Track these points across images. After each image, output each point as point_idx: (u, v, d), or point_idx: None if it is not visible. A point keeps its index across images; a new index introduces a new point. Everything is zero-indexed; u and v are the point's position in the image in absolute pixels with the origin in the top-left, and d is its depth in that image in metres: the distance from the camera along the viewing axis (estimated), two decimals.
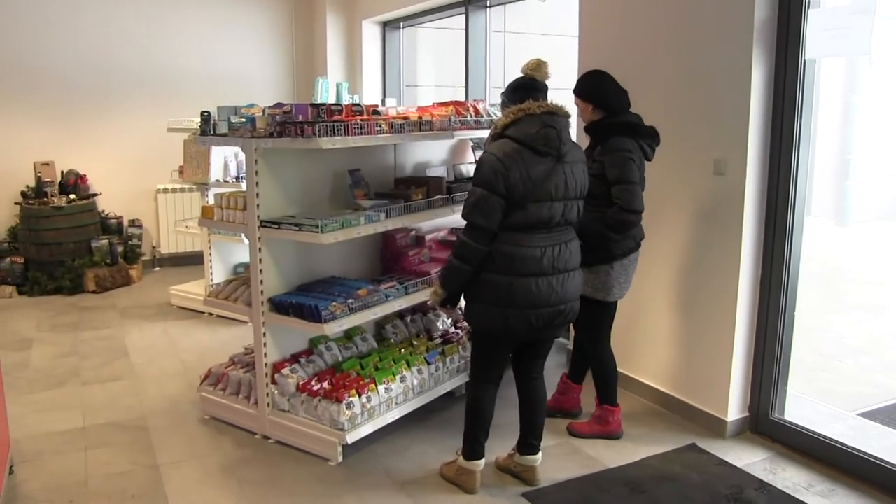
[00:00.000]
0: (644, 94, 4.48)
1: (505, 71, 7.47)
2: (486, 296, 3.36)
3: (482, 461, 3.69)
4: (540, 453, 3.77)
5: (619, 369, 4.26)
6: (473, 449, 3.67)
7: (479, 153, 5.38)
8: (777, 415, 4.16)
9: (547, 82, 3.85)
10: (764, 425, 4.19)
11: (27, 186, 7.87)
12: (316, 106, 3.95)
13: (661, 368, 4.63)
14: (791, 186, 3.93)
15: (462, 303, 3.60)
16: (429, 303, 3.79)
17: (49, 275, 7.52)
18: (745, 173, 3.95)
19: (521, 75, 3.85)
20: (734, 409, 4.21)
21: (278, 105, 4.02)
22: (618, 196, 3.69)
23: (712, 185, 4.14)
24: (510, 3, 6.95)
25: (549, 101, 3.43)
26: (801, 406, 4.26)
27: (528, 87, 3.72)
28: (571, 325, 4.18)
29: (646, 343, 4.71)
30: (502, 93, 3.96)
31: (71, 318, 6.69)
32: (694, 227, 4.30)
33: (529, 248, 3.30)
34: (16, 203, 7.83)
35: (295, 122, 3.82)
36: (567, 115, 3.39)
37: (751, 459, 3.97)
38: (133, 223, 8.37)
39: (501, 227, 3.28)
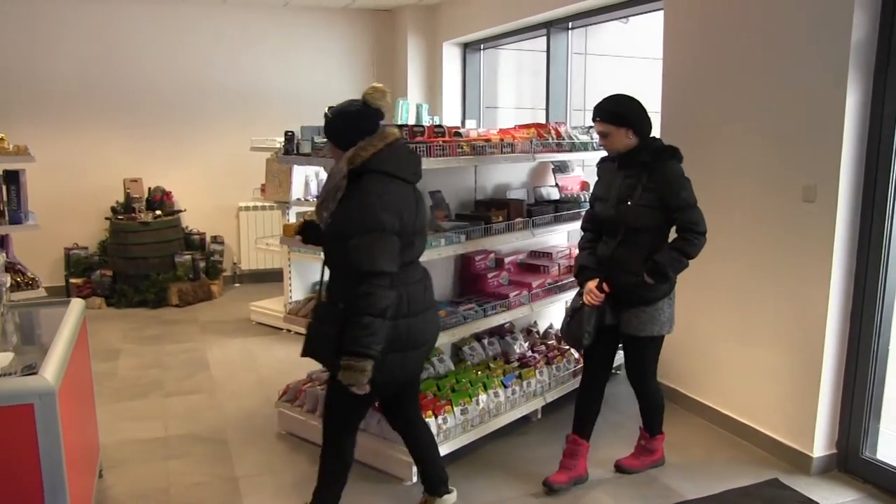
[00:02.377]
0: (730, 117, 4.40)
1: (585, 93, 7.43)
2: (386, 345, 2.98)
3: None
4: (455, 491, 3.59)
5: (688, 393, 4.16)
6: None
7: (560, 176, 5.35)
8: (868, 453, 3.98)
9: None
10: (853, 463, 4.02)
11: (117, 202, 8.15)
12: (399, 127, 3.97)
13: (738, 396, 4.49)
14: (887, 213, 3.78)
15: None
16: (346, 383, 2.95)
17: (135, 288, 7.75)
18: (836, 200, 3.81)
19: (356, 102, 3.14)
20: (821, 445, 4.05)
21: None
22: (691, 220, 3.59)
23: (801, 211, 4.01)
24: (592, 25, 6.91)
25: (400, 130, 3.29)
26: (894, 445, 4.08)
27: (374, 115, 3.12)
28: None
29: (721, 369, 4.58)
30: (330, 125, 3.19)
31: (155, 331, 6.87)
32: (779, 253, 4.16)
33: (416, 285, 3.13)
34: (106, 218, 8.12)
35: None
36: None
37: (839, 500, 3.80)
38: (215, 239, 8.57)
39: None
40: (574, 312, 3.85)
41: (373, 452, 4.05)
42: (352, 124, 3.09)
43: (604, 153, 3.91)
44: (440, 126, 4.26)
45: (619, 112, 3.65)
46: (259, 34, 8.66)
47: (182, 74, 8.34)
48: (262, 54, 8.66)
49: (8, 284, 3.59)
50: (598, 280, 3.72)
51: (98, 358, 5.93)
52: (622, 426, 4.63)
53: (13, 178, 4.81)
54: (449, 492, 3.56)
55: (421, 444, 3.52)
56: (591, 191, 4.15)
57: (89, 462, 3.51)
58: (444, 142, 4.01)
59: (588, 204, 4.07)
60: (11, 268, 4.84)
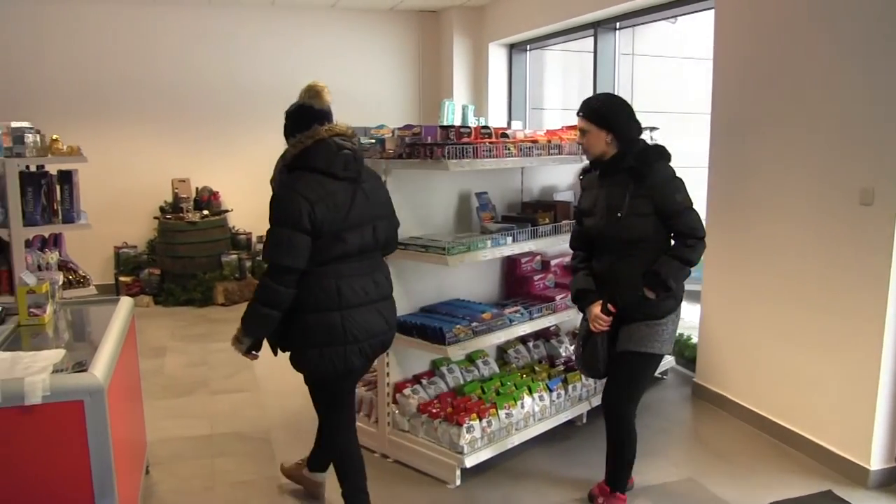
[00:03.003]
0: (784, 117, 4.30)
1: (633, 94, 7.34)
2: (320, 338, 3.09)
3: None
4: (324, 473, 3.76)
5: (734, 398, 4.03)
6: (318, 463, 3.77)
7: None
8: None
9: (331, 106, 3.30)
10: None
11: (165, 202, 8.27)
12: (445, 128, 3.96)
13: (786, 403, 4.38)
14: None
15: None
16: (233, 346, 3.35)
17: (182, 286, 7.86)
18: (894, 203, 3.70)
19: (299, 102, 3.27)
20: (878, 458, 3.92)
21: (408, 126, 4.05)
22: (690, 225, 3.34)
23: (857, 214, 3.89)
24: (639, 25, 6.83)
25: (336, 124, 3.20)
26: None
27: (311, 113, 3.19)
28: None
29: (769, 374, 4.47)
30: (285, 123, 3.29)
31: (201, 329, 6.95)
32: (834, 257, 4.04)
33: (354, 278, 3.11)
34: (154, 217, 8.24)
35: (424, 143, 3.84)
36: (355, 136, 3.25)
37: None
38: (261, 239, 8.64)
39: (321, 262, 3.04)
40: (585, 341, 3.60)
41: (417, 455, 4.03)
42: (290, 122, 3.21)
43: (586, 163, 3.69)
44: (487, 127, 4.23)
45: (602, 112, 3.41)
46: (306, 35, 8.72)
47: (229, 76, 8.43)
48: (309, 55, 8.72)
49: (60, 282, 3.65)
50: (601, 303, 3.46)
51: (145, 355, 6.02)
52: (667, 432, 4.57)
53: (67, 178, 4.89)
54: (323, 470, 3.76)
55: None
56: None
57: (136, 458, 3.55)
58: (490, 143, 3.98)
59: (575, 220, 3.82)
60: (64, 266, 4.92)
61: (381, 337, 3.26)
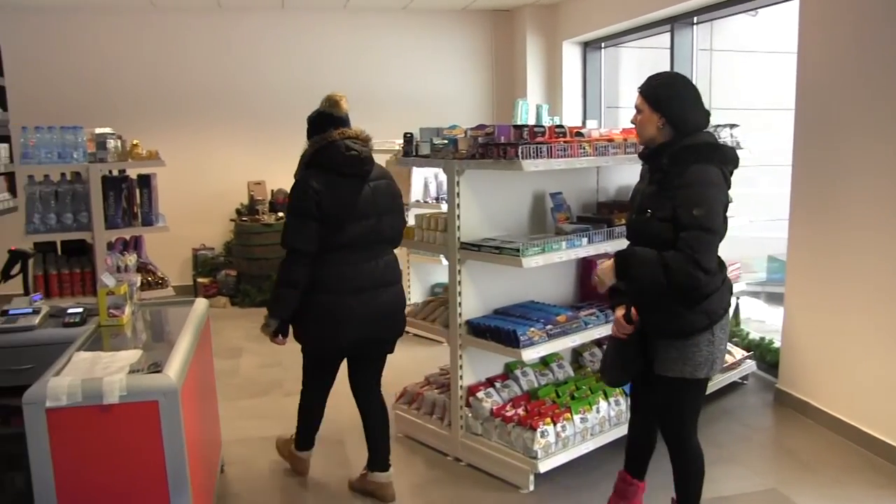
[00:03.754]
0: (877, 117, 4.09)
1: (711, 90, 7.14)
2: (315, 315, 3.50)
3: (312, 450, 4.04)
4: (391, 469, 3.84)
5: (820, 405, 3.82)
6: (305, 442, 4.01)
7: None
8: None
9: (348, 113, 3.70)
10: None
11: (241, 204, 8.41)
12: (519, 127, 3.90)
13: (876, 412, 4.17)
14: None
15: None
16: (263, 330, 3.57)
17: (258, 287, 7.96)
18: None
19: (319, 110, 3.70)
20: None
21: (480, 126, 4.00)
22: (692, 245, 2.80)
23: None
24: (718, 19, 6.63)
25: (350, 128, 3.58)
26: None
27: (328, 119, 3.62)
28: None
29: (857, 381, 4.26)
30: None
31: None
32: None
33: (353, 266, 3.49)
34: (231, 220, 8.39)
35: (497, 143, 3.79)
36: (367, 139, 3.62)
37: None
38: None
39: (326, 249, 3.45)
40: (612, 344, 3.30)
41: (489, 459, 3.97)
42: (310, 127, 3.65)
43: None
44: (561, 126, 4.15)
45: (659, 92, 3.00)
46: (378, 37, 8.76)
47: (302, 79, 8.52)
48: (382, 57, 8.76)
49: (138, 284, 3.72)
50: (625, 307, 3.11)
51: (221, 356, 6.11)
52: (748, 439, 4.42)
53: (146, 182, 5.02)
54: (385, 470, 3.83)
55: (372, 417, 3.85)
56: None
57: (211, 457, 3.59)
58: (565, 142, 3.90)
59: None
60: (143, 268, 5.04)
61: (382, 322, 3.61)
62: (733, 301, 5.55)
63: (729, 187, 2.98)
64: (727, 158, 2.97)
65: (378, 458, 3.82)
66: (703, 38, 6.91)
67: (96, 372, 2.65)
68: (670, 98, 2.97)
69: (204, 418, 3.39)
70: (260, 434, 4.61)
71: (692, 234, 2.80)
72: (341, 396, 5.18)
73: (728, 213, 2.96)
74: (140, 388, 2.56)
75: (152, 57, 8.26)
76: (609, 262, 3.01)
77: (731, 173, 3.01)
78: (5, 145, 3.98)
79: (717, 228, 2.86)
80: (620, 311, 3.12)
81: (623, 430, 4.16)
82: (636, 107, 3.08)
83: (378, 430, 3.84)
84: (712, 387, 4.80)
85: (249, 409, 5.07)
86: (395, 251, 3.77)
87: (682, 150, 2.92)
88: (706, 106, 3.05)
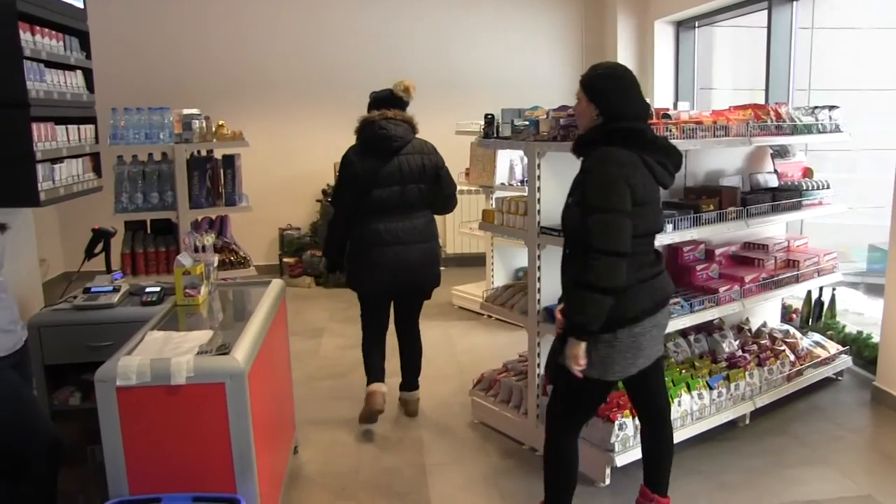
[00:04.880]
0: None
1: (811, 71, 6.76)
2: (357, 263, 4.36)
3: (381, 384, 4.48)
4: (417, 390, 4.68)
5: None
6: (374, 375, 4.50)
7: (779, 162, 4.89)
8: None
9: (406, 98, 4.42)
10: None
11: (327, 185, 8.45)
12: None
13: None
14: None
15: None
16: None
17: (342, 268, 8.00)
18: None
19: (389, 89, 4.45)
20: None
21: (563, 108, 3.88)
22: (590, 230, 2.70)
23: None
24: None
25: (394, 111, 4.31)
26: None
27: (383, 99, 4.42)
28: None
29: None
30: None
31: (358, 312, 7.03)
32: None
33: (384, 224, 4.23)
34: (317, 200, 8.46)
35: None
36: (407, 121, 4.35)
37: None
38: None
39: (361, 210, 4.24)
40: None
41: None
42: (369, 105, 4.44)
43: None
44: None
45: (594, 83, 2.89)
46: (465, 17, 8.67)
47: (387, 60, 8.49)
48: (468, 37, 8.66)
49: (216, 264, 3.75)
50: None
51: (303, 336, 6.19)
52: (842, 440, 4.19)
53: (230, 162, 5.07)
54: (411, 390, 4.69)
55: (407, 346, 4.66)
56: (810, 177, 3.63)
57: (283, 439, 3.60)
58: (651, 124, 3.72)
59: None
60: (226, 247, 5.11)
61: (412, 272, 4.32)
62: (827, 292, 5.30)
63: (657, 178, 2.85)
64: (648, 145, 2.84)
65: (407, 381, 4.67)
66: (803, 15, 6.55)
67: (166, 352, 2.67)
68: (605, 90, 2.87)
69: (274, 400, 3.39)
70: (336, 416, 4.63)
71: (593, 219, 2.70)
72: (422, 381, 5.19)
73: (642, 201, 2.77)
74: (207, 369, 2.57)
75: (239, 38, 8.38)
76: (574, 348, 2.77)
77: (664, 165, 2.88)
78: (91, 126, 4.05)
79: (617, 207, 2.69)
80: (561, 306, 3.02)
81: (706, 425, 4.02)
82: (576, 96, 2.99)
83: (408, 358, 4.66)
84: (803, 382, 4.58)
85: (327, 390, 5.09)
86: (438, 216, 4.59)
87: (597, 133, 2.85)
88: (630, 95, 2.89)
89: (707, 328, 4.58)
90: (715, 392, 4.07)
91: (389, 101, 4.37)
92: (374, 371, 4.50)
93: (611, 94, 2.86)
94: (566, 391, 3.00)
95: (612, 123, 2.84)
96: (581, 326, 2.74)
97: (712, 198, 4.13)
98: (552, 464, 3.10)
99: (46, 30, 3.58)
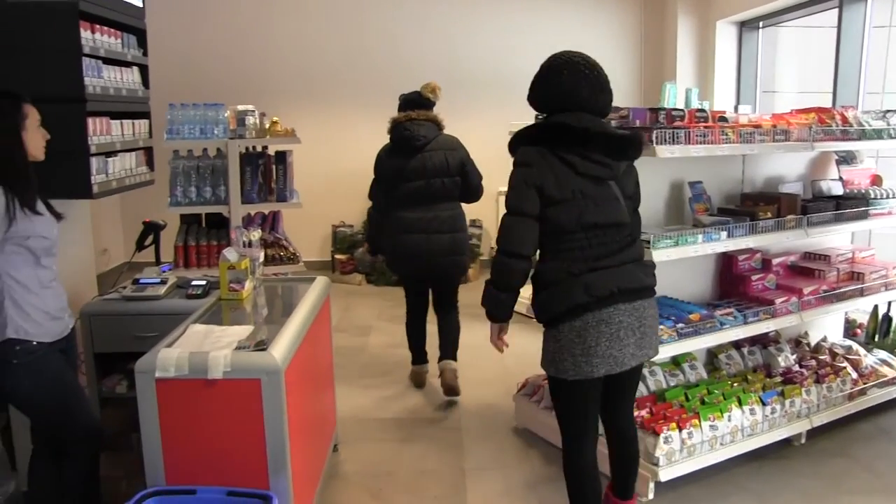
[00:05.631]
0: None
1: (886, 73, 6.50)
2: (392, 250, 4.86)
3: (425, 365, 5.12)
4: (453, 361, 4.91)
5: None
6: (416, 357, 5.13)
7: (844, 168, 4.71)
8: None
9: (433, 99, 4.92)
10: None
11: None
12: (655, 111, 3.66)
13: None
14: None
15: None
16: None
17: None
18: None
19: (417, 91, 4.93)
20: None
21: (615, 109, 3.78)
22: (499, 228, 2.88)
23: None
24: None
25: (418, 112, 4.76)
26: None
27: (411, 101, 4.87)
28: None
29: None
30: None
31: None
32: None
33: (411, 215, 4.68)
34: (369, 198, 8.46)
35: (632, 127, 3.57)
36: (431, 121, 4.78)
37: None
38: (473, 223, 8.62)
39: (390, 202, 4.77)
40: None
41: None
42: (399, 106, 4.91)
43: None
44: (703, 110, 3.87)
45: (532, 82, 2.97)
46: (519, 15, 8.59)
47: (440, 57, 8.46)
48: (521, 36, 8.54)
49: (261, 259, 3.76)
50: None
51: (351, 333, 6.20)
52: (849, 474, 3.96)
53: (281, 158, 5.09)
54: (448, 359, 4.92)
55: (443, 323, 4.99)
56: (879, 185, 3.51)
57: (321, 436, 3.59)
58: (705, 127, 3.63)
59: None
60: (276, 243, 5.13)
61: (427, 258, 4.70)
62: None
63: (574, 169, 2.76)
64: (565, 139, 2.77)
65: (443, 353, 4.95)
66: (881, 12, 6.29)
67: (206, 346, 2.68)
68: (534, 84, 2.94)
69: (314, 398, 3.39)
70: (378, 415, 4.62)
71: (502, 218, 2.86)
72: (465, 382, 5.14)
73: (560, 199, 2.75)
74: (243, 365, 2.57)
75: (295, 36, 8.45)
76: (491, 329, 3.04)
77: (589, 157, 2.77)
78: (145, 121, 4.11)
79: (517, 210, 2.77)
80: None
81: (758, 442, 3.88)
82: None
83: (444, 335, 4.97)
84: (866, 402, 4.37)
85: (372, 388, 5.08)
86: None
87: (521, 131, 2.91)
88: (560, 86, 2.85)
89: (762, 340, 4.43)
90: (768, 408, 3.92)
91: (417, 102, 4.84)
92: (416, 353, 5.11)
93: (533, 86, 2.94)
94: (554, 400, 3.02)
95: (535, 122, 2.97)
96: (487, 313, 2.99)
97: (770, 205, 4.00)
98: (567, 477, 3.03)
99: (106, 28, 3.65)
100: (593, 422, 2.98)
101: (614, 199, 2.81)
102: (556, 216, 2.75)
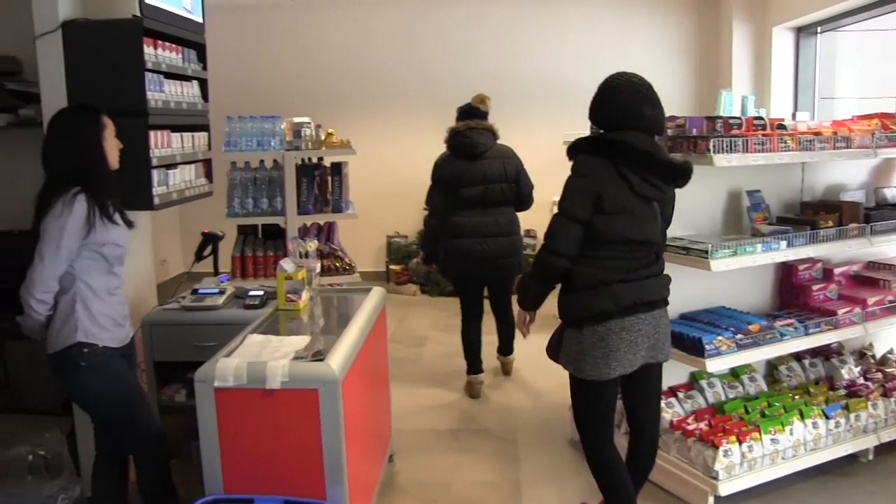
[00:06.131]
0: None
1: None
2: (448, 253, 5.00)
3: (480, 375, 5.16)
4: (512, 354, 5.47)
5: None
6: (471, 367, 5.17)
7: None
8: None
9: (485, 110, 5.29)
10: None
11: None
12: (712, 119, 3.62)
13: None
14: None
15: None
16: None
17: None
18: None
19: (469, 103, 5.29)
20: None
21: (671, 118, 3.74)
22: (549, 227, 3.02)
23: None
24: None
25: (476, 121, 4.98)
26: None
27: (468, 112, 5.13)
28: None
29: None
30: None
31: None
32: None
33: (469, 219, 4.89)
34: (424, 209, 8.49)
35: (688, 136, 3.53)
36: (488, 130, 5.01)
37: None
38: (528, 233, 8.56)
39: (450, 207, 4.94)
40: None
41: (666, 474, 3.73)
42: (456, 118, 5.13)
43: None
44: (760, 118, 3.81)
45: (593, 99, 3.10)
46: (572, 25, 8.54)
47: (495, 69, 8.45)
48: (574, 45, 8.51)
49: (318, 270, 3.79)
50: None
51: (405, 343, 6.22)
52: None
53: (337, 169, 5.15)
54: (506, 354, 5.50)
55: (499, 319, 5.36)
56: None
57: (377, 447, 3.60)
58: (763, 135, 3.57)
59: None
60: (332, 253, 5.19)
61: (495, 261, 4.93)
62: None
63: (633, 188, 2.89)
64: (628, 156, 2.89)
65: (501, 348, 5.45)
66: None
67: (264, 356, 2.71)
68: (593, 101, 3.08)
69: (370, 408, 3.40)
70: (434, 426, 4.63)
71: (552, 219, 3.00)
72: (521, 393, 5.12)
73: (611, 210, 2.89)
74: (301, 375, 2.60)
75: (347, 49, 8.55)
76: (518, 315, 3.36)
77: (647, 178, 2.90)
78: (204, 134, 4.19)
79: (569, 213, 2.92)
80: None
81: (821, 457, 3.78)
82: None
83: (502, 333, 5.37)
84: None
85: (427, 399, 5.09)
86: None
87: (581, 141, 3.03)
88: (617, 107, 2.98)
89: (823, 352, 4.33)
90: (832, 422, 3.83)
91: (473, 112, 5.11)
92: (472, 362, 5.18)
93: (594, 105, 3.07)
94: (573, 398, 3.19)
95: (598, 134, 3.06)
96: (518, 300, 3.31)
97: (832, 213, 3.91)
98: (593, 469, 3.18)
99: (167, 43, 3.74)
100: (610, 419, 3.15)
101: (653, 219, 2.98)
102: (602, 226, 2.90)
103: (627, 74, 3.06)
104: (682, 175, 2.96)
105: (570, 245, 2.93)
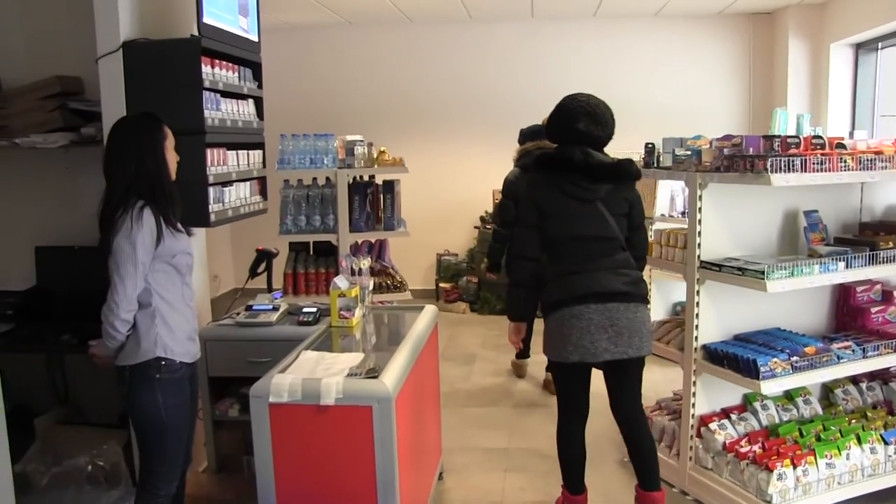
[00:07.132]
0: None
1: None
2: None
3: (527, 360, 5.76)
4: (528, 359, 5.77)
5: None
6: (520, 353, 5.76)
7: None
8: None
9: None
10: None
11: (486, 212, 8.53)
12: (769, 138, 3.57)
13: None
14: None
15: None
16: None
17: (497, 295, 8.02)
18: None
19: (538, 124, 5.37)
20: None
21: (727, 137, 3.72)
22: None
23: None
24: None
25: (545, 141, 4.97)
26: None
27: (536, 132, 5.36)
28: None
29: None
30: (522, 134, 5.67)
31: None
32: None
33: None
34: (475, 227, 8.54)
35: (745, 155, 3.49)
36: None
37: None
38: None
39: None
40: None
41: (719, 497, 3.68)
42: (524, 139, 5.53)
43: None
44: (819, 137, 3.75)
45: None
46: (627, 44, 8.53)
47: (548, 87, 8.35)
48: (631, 65, 8.50)
49: (371, 287, 3.83)
50: None
51: (455, 361, 6.23)
52: None
53: (389, 188, 5.20)
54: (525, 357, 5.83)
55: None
56: None
57: (428, 464, 3.62)
58: (822, 154, 3.51)
59: None
60: (383, 271, 5.22)
61: None
62: None
63: (566, 193, 3.30)
64: (560, 167, 3.34)
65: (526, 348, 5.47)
66: None
67: (318, 372, 2.75)
68: (550, 118, 3.60)
69: (421, 426, 3.42)
70: (483, 444, 4.61)
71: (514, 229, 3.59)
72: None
73: (549, 214, 3.33)
74: (355, 392, 2.62)
75: (401, 68, 8.67)
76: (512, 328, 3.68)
77: (577, 182, 3.29)
78: (259, 151, 4.26)
79: (523, 222, 3.42)
80: None
81: (880, 484, 3.69)
82: None
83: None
84: None
85: (477, 417, 5.08)
86: None
87: (530, 161, 3.82)
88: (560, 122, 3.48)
89: (882, 376, 4.23)
90: (891, 447, 3.73)
91: (540, 133, 5.20)
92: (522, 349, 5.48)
93: (547, 125, 3.65)
94: (555, 375, 3.63)
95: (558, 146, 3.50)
96: (507, 311, 3.75)
97: (892, 234, 3.83)
98: (557, 445, 3.59)
99: (224, 62, 3.82)
100: (577, 403, 3.54)
101: (597, 216, 3.31)
102: (549, 229, 3.34)
103: (575, 95, 3.53)
104: (605, 173, 3.30)
105: (529, 248, 3.38)
